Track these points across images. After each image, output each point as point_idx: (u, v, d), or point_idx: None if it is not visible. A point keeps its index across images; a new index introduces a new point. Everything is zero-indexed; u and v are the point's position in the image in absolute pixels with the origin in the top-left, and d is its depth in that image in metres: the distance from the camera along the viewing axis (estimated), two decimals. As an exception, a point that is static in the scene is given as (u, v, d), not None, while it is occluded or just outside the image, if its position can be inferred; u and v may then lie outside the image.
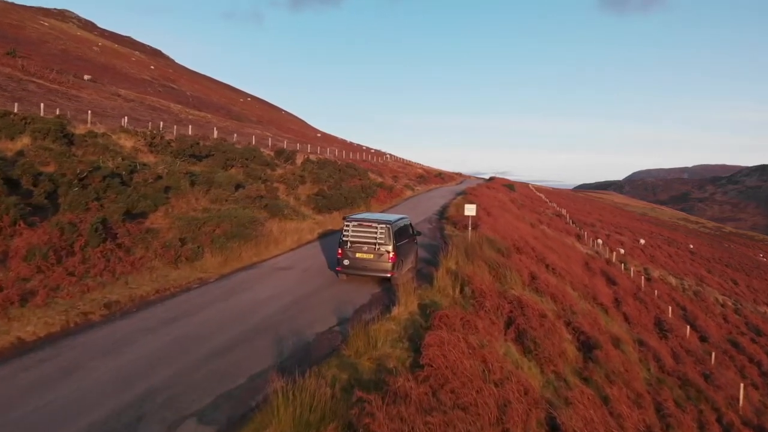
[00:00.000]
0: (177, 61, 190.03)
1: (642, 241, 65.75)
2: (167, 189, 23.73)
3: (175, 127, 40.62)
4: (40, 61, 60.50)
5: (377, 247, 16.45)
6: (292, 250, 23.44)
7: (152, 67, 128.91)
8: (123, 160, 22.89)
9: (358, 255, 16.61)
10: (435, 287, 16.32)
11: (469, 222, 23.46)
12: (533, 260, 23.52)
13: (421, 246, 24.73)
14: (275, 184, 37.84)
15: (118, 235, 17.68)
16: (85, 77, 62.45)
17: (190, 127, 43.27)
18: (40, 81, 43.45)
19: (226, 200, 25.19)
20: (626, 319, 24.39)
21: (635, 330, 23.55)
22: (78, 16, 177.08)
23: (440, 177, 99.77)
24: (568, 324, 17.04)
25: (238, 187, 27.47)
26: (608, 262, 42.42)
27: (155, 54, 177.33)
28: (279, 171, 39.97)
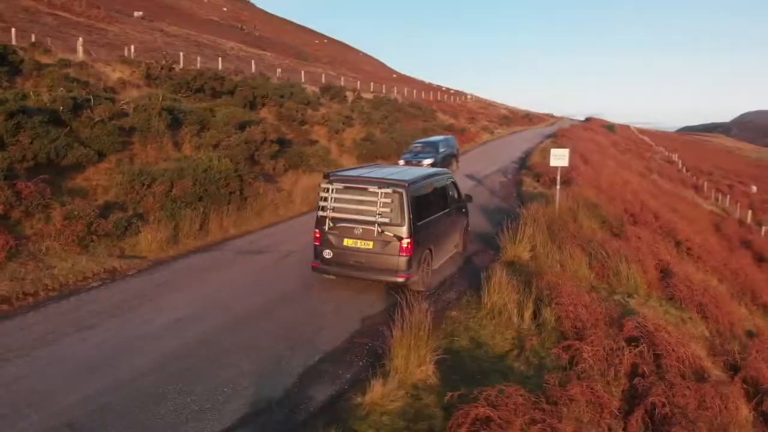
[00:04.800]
0: (258, 5, 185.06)
1: (775, 193, 53.77)
2: (131, 131, 17.29)
3: (198, 59, 34.27)
4: None
5: (379, 228, 9.06)
6: (299, 215, 16.58)
7: (225, 9, 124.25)
8: (68, 92, 16.53)
9: (346, 242, 9.30)
10: (485, 305, 8.81)
11: (558, 176, 15.35)
12: (657, 234, 15.29)
13: (486, 212, 17.14)
14: (315, 127, 30.98)
15: (-6, 202, 11.36)
16: (135, 14, 57.45)
17: (220, 60, 36.86)
18: (63, 14, 38.36)
19: (216, 146, 18.47)
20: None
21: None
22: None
23: (528, 118, 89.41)
24: (733, 370, 9.21)
25: (243, 127, 20.65)
26: (741, 223, 32.72)
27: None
28: (322, 111, 32.88)
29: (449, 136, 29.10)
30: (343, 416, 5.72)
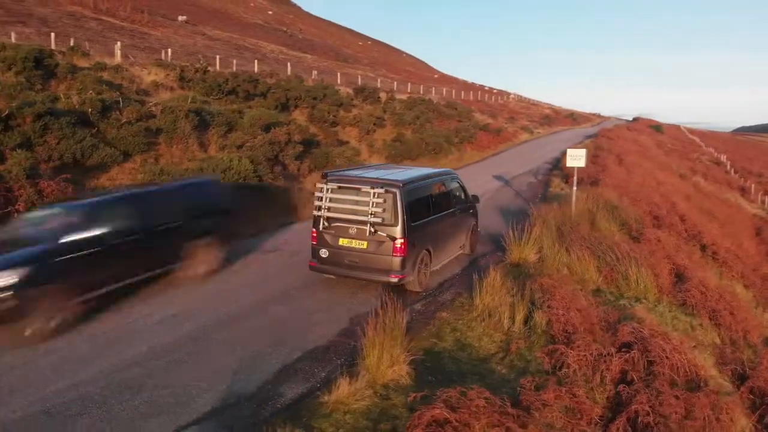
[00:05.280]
0: (304, 8, 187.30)
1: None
2: (158, 131, 17.81)
3: (234, 62, 34.97)
4: (139, 3, 57.75)
5: (371, 228, 9.08)
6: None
7: (270, 12, 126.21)
8: (98, 94, 17.15)
9: (341, 241, 9.37)
10: (476, 307, 8.73)
11: (575, 177, 15.05)
12: (681, 238, 14.82)
13: (506, 213, 16.93)
14: (346, 128, 31.24)
15: (18, 199, 11.89)
16: (179, 18, 59.04)
17: (256, 63, 37.50)
18: (108, 18, 39.82)
19: (240, 147, 18.83)
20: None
21: None
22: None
23: (572, 118, 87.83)
24: (741, 380, 8.86)
25: (269, 129, 20.96)
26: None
27: (281, 2, 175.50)
28: (354, 112, 33.08)
29: (196, 180, 12.43)
30: (306, 414, 5.77)
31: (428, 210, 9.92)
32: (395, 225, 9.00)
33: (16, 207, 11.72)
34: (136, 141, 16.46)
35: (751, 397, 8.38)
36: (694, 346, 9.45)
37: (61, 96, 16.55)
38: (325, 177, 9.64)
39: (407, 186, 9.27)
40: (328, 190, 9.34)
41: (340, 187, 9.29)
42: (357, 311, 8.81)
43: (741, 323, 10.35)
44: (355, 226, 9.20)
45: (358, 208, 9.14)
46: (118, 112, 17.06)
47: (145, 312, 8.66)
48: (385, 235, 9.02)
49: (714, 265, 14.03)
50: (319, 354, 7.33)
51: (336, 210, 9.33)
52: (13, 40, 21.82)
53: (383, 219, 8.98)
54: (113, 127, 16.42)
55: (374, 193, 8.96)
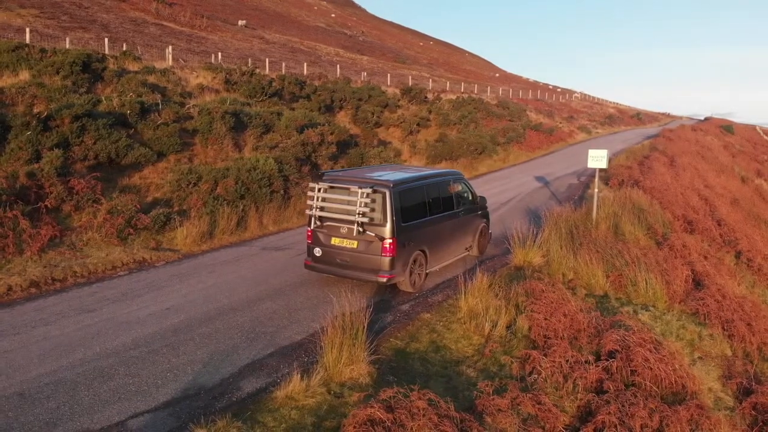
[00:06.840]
0: (368, 10, 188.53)
1: None
2: (194, 132, 18.50)
3: (283, 64, 35.70)
4: (201, 8, 59.87)
5: (359, 228, 9.12)
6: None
7: (333, 15, 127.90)
8: (138, 96, 17.98)
9: (333, 241, 9.47)
10: (461, 309, 8.61)
11: (596, 177, 14.59)
12: (714, 243, 14.08)
13: (535, 215, 16.68)
14: (390, 128, 31.41)
15: (48, 195, 12.64)
16: (239, 23, 60.80)
17: (305, 65, 38.18)
18: (168, 24, 41.54)
19: (274, 148, 19.27)
20: None
21: None
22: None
23: (637, 118, 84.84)
24: (745, 394, 8.36)
25: (303, 129, 21.35)
26: None
27: (345, 5, 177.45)
28: (399, 113, 33.17)
29: None
30: (254, 407, 5.90)
31: (424, 211, 9.88)
32: (384, 225, 9.02)
33: (46, 203, 12.50)
34: (171, 141, 17.14)
35: (754, 413, 7.91)
36: (699, 358, 9.03)
37: (103, 99, 17.45)
38: (321, 177, 9.78)
39: (398, 186, 9.27)
40: (320, 189, 9.49)
41: (331, 187, 9.42)
42: (343, 311, 8.87)
43: (758, 335, 9.74)
44: (346, 225, 9.29)
45: (348, 208, 9.22)
46: (156, 114, 17.83)
47: (142, 304, 9.06)
48: (373, 234, 9.07)
49: (747, 272, 13.25)
50: (290, 351, 7.45)
51: (328, 209, 9.46)
52: (67, 45, 23.12)
53: (372, 219, 9.03)
54: (150, 128, 17.16)
55: (362, 193, 9.01)
